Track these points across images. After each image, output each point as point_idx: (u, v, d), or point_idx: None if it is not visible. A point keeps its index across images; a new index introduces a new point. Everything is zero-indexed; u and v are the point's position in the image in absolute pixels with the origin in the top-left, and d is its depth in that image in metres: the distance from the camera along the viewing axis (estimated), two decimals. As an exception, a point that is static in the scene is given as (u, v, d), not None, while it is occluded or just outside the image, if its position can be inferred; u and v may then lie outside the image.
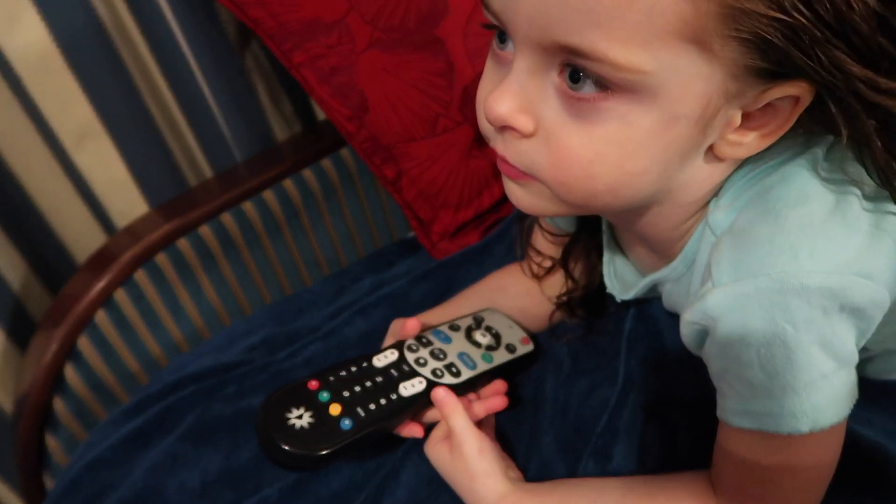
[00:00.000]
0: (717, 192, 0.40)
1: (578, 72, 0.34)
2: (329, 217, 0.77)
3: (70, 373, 0.65)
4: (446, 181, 0.68)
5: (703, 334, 0.40)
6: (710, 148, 0.37)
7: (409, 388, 0.50)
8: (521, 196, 0.40)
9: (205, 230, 0.70)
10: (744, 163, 0.39)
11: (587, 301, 0.56)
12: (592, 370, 0.55)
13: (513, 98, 0.36)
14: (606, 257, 0.52)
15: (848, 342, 0.37)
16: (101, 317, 0.66)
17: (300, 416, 0.48)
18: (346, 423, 0.48)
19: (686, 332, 0.41)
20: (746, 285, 0.36)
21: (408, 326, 0.53)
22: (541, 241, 0.57)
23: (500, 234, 0.68)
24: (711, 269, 0.38)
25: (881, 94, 0.33)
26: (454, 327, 0.55)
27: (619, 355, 0.55)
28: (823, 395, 0.38)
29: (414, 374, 0.51)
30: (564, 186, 0.37)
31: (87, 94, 0.71)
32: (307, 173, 0.74)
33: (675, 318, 0.48)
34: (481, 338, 0.55)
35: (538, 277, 0.57)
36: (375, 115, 0.66)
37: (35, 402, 0.63)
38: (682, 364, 0.50)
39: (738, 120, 0.36)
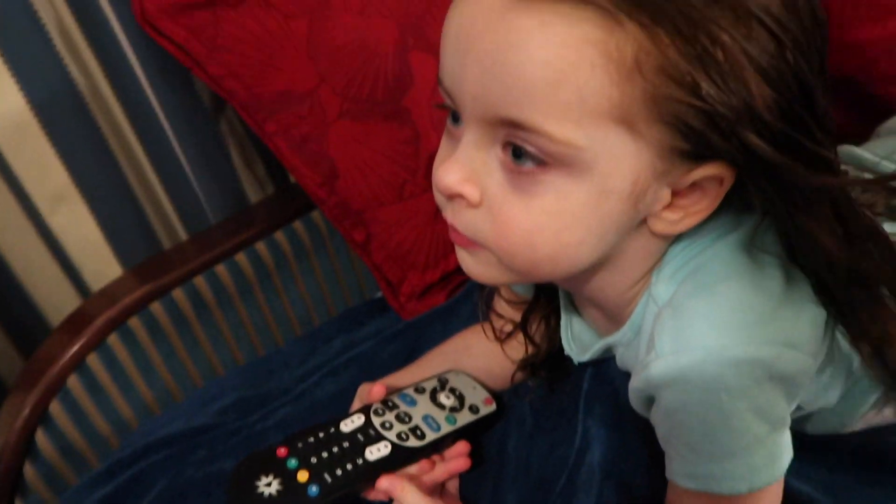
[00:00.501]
0: (658, 263, 0.43)
1: (520, 148, 0.37)
2: (301, 278, 0.79)
3: (41, 437, 0.65)
4: (413, 244, 0.71)
5: (649, 400, 0.43)
6: (645, 222, 0.40)
7: (375, 452, 0.52)
8: (471, 264, 0.43)
9: (178, 293, 0.71)
10: (681, 236, 0.42)
11: (548, 362, 0.58)
12: (553, 429, 0.57)
13: (460, 169, 0.39)
14: (564, 321, 0.54)
15: (779, 406, 0.40)
16: (74, 381, 0.67)
17: (269, 484, 0.49)
18: (314, 490, 0.49)
19: (633, 397, 0.44)
20: (685, 357, 0.39)
21: (374, 392, 0.55)
22: (501, 305, 0.59)
23: (466, 295, 0.70)
24: (654, 339, 0.41)
25: (788, 175, 0.36)
26: (419, 389, 0.57)
27: (577, 414, 0.57)
28: (759, 456, 0.41)
29: (380, 437, 0.53)
30: (508, 255, 0.40)
31: (62, 158, 0.72)
32: (279, 235, 0.76)
33: (629, 377, 0.51)
34: (445, 399, 0.57)
35: (500, 340, 0.59)
36: (345, 182, 0.69)
37: (6, 467, 0.63)
38: (638, 423, 0.53)
39: (667, 197, 0.39)
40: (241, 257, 0.74)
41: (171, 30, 0.65)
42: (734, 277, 0.40)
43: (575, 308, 0.54)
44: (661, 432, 0.44)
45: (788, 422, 0.42)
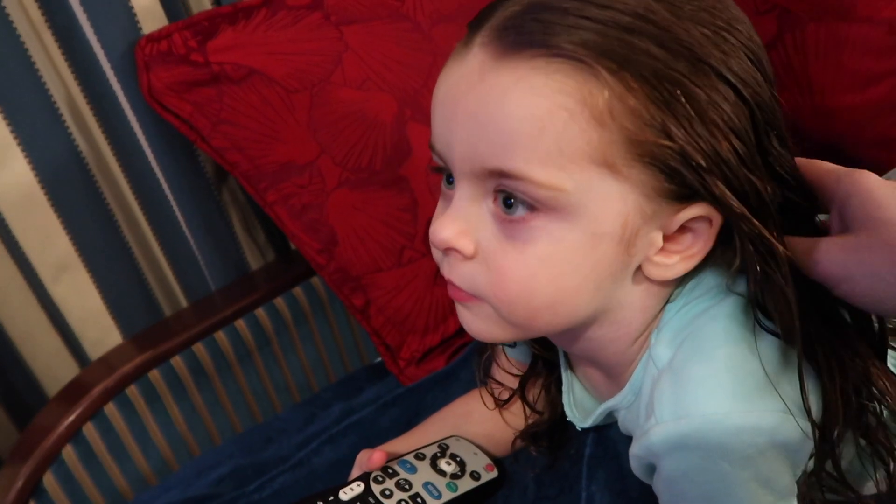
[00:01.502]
0: (657, 324, 0.43)
1: (510, 197, 0.38)
2: (300, 344, 0.79)
3: (33, 511, 0.64)
4: (413, 308, 0.72)
5: (651, 468, 0.43)
6: (640, 269, 0.40)
7: None
8: (470, 320, 0.43)
9: (177, 361, 0.71)
10: (678, 295, 0.42)
11: (550, 431, 0.58)
12: (556, 496, 0.56)
13: (453, 223, 0.40)
14: (565, 386, 0.54)
15: (784, 475, 0.40)
16: (69, 451, 0.66)
17: None
18: None
19: (634, 464, 0.44)
20: (685, 425, 0.38)
21: (373, 459, 0.55)
22: (500, 373, 0.59)
23: (466, 359, 0.70)
24: (654, 405, 0.40)
25: (747, 227, 0.37)
26: (419, 456, 0.57)
27: (580, 480, 0.56)
28: None
29: None
30: (506, 305, 0.40)
31: (66, 228, 0.73)
32: (279, 301, 0.77)
33: (632, 442, 0.50)
34: (446, 466, 0.56)
35: (499, 407, 0.59)
36: (344, 249, 0.70)
37: (-4, 543, 0.62)
38: (642, 487, 0.52)
39: (659, 241, 0.39)
40: (240, 324, 0.75)
41: (176, 105, 0.68)
42: (732, 343, 0.39)
43: (575, 374, 0.54)
44: (663, 501, 0.43)
45: (795, 490, 0.41)
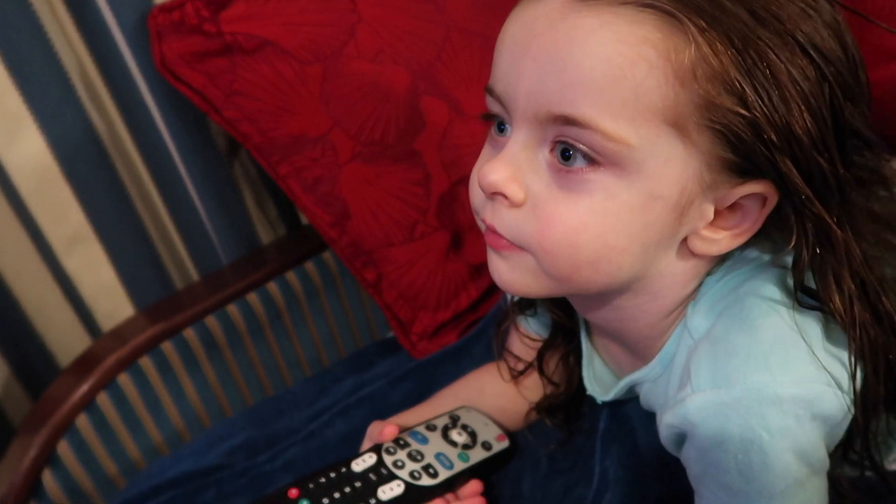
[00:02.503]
0: (694, 296, 0.43)
1: (568, 149, 0.37)
2: (311, 318, 0.79)
3: (48, 478, 0.65)
4: (425, 283, 0.71)
5: (682, 437, 0.42)
6: (685, 242, 0.40)
7: (388, 491, 0.51)
8: (504, 271, 0.42)
9: (189, 333, 0.71)
10: (717, 268, 0.42)
11: (566, 404, 0.58)
12: (568, 470, 0.56)
13: (506, 167, 0.39)
14: (585, 359, 0.53)
15: (820, 449, 0.39)
16: (83, 421, 0.66)
17: None
18: None
19: (665, 434, 0.43)
20: (724, 394, 0.38)
21: (385, 432, 0.55)
22: (517, 345, 0.59)
23: (478, 335, 0.70)
24: (691, 373, 0.40)
25: (810, 209, 0.37)
26: (431, 427, 0.57)
27: (594, 455, 0.56)
28: (797, 501, 0.39)
29: (392, 477, 0.52)
30: (549, 255, 0.39)
31: (80, 201, 0.74)
32: (291, 276, 0.77)
33: (649, 417, 0.50)
34: (457, 437, 0.56)
35: (514, 379, 0.59)
36: (357, 223, 0.70)
37: (11, 509, 0.63)
38: (656, 463, 0.52)
39: (710, 214, 0.39)
40: (252, 297, 0.75)
41: (189, 76, 0.67)
42: (775, 313, 0.39)
43: (595, 348, 0.53)
44: (693, 471, 0.42)
45: (828, 465, 0.40)
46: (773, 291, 0.40)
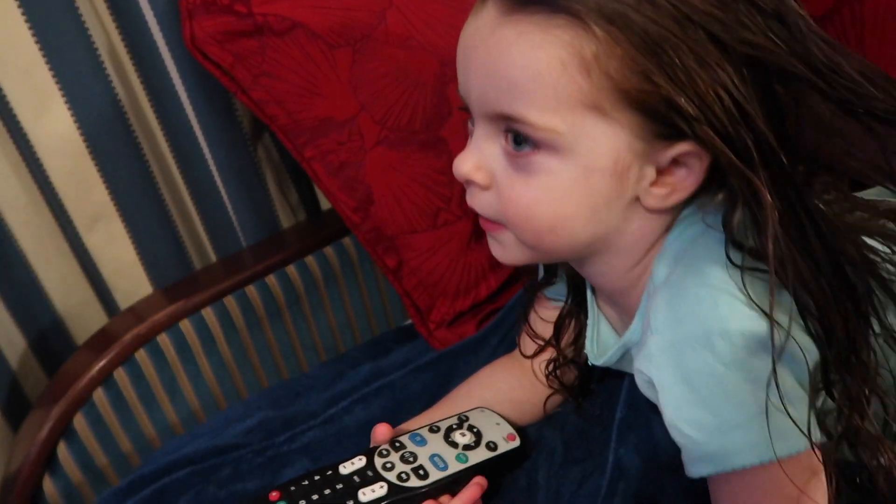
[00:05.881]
0: (659, 250, 0.46)
1: (520, 136, 0.43)
2: (329, 303, 0.79)
3: (63, 451, 0.65)
4: (445, 271, 0.71)
5: (653, 384, 0.44)
6: (639, 202, 0.44)
7: (369, 493, 0.50)
8: (496, 248, 0.49)
9: (208, 312, 0.71)
10: (678, 225, 0.45)
11: (582, 378, 0.59)
12: (584, 459, 0.56)
13: (471, 158, 0.46)
14: (590, 321, 0.55)
15: (785, 379, 0.40)
16: (100, 395, 0.67)
17: None
18: None
19: (639, 380, 0.46)
20: (678, 331, 0.42)
21: (377, 433, 0.55)
22: (539, 322, 0.60)
23: (497, 325, 0.70)
24: (650, 318, 0.44)
25: (734, 170, 0.39)
26: (434, 429, 0.56)
27: (610, 443, 0.56)
28: (771, 428, 0.40)
29: (378, 478, 0.51)
30: (517, 228, 0.46)
31: (104, 178, 0.74)
32: (310, 260, 0.77)
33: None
34: (461, 437, 0.55)
35: (533, 356, 0.59)
36: (380, 208, 0.70)
37: (26, 479, 0.63)
38: (671, 452, 0.51)
39: (652, 174, 0.43)
40: (271, 279, 0.75)
41: (218, 55, 0.67)
42: (719, 256, 0.42)
43: (601, 310, 0.55)
44: (666, 417, 0.44)
45: (802, 395, 0.41)
46: (719, 236, 0.43)
